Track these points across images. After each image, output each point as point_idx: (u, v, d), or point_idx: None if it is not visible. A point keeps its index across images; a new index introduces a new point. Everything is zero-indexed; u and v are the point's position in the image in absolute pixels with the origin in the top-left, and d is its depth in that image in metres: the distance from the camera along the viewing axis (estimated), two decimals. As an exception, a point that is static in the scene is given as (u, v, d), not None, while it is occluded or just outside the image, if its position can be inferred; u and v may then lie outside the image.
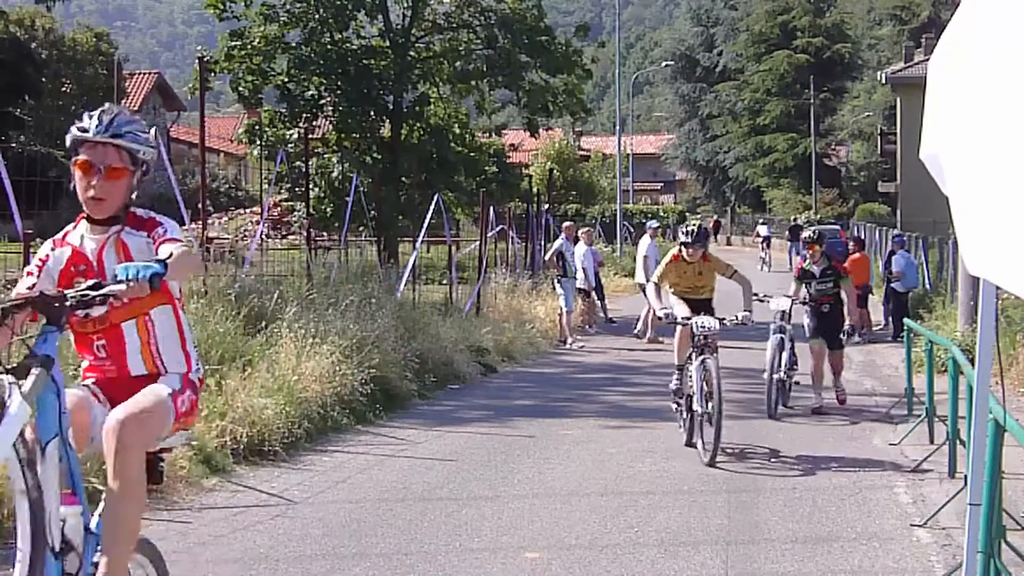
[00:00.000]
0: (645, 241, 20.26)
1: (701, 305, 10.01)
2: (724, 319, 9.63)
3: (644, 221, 46.85)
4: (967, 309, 15.24)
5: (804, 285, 12.38)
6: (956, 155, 3.07)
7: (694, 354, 9.37)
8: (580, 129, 47.66)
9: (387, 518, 7.28)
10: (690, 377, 9.40)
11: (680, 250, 9.97)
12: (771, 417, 11.37)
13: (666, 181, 75.60)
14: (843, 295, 12.30)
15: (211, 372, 9.28)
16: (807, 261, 12.50)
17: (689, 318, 9.52)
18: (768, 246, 42.76)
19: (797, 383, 12.14)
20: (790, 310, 12.16)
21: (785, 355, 11.82)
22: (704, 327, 9.33)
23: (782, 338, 11.87)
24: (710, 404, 9.00)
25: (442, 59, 25.51)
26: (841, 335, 12.27)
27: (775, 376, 11.62)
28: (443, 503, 7.72)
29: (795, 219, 48.79)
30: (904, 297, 20.32)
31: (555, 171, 38.88)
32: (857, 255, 20.70)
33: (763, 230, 45.21)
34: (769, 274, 35.20)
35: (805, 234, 12.99)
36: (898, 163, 45.41)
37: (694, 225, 10.26)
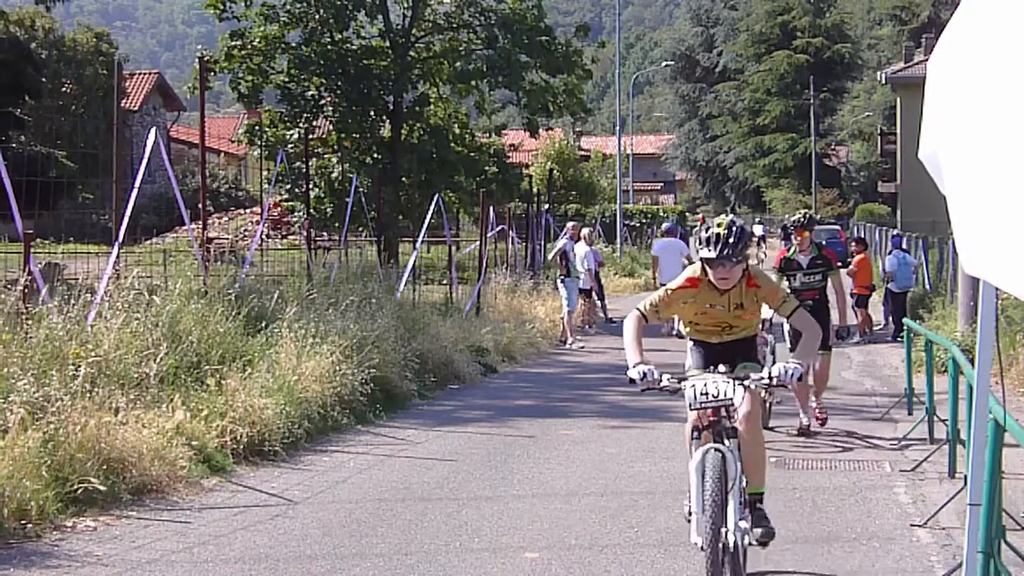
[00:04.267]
0: (659, 244, 19.34)
1: (730, 352, 6.10)
2: (747, 380, 5.57)
3: (642, 222, 47.16)
4: (967, 309, 15.23)
5: (787, 279, 10.41)
6: (955, 155, 3.07)
7: (693, 444, 5.64)
8: (580, 129, 47.67)
9: (387, 518, 7.28)
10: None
11: (703, 271, 5.84)
12: None
13: (666, 181, 75.63)
14: (829, 291, 10.64)
15: (211, 372, 9.30)
16: (792, 250, 10.66)
17: (684, 379, 5.60)
18: (763, 243, 43.25)
19: (779, 402, 10.83)
20: (772, 317, 10.09)
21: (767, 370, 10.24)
22: (706, 396, 5.41)
23: (764, 351, 10.09)
24: (725, 533, 5.26)
25: (442, 59, 25.54)
26: (832, 337, 10.41)
27: None
28: (443, 503, 7.72)
29: (788, 218, 48.86)
30: (901, 297, 20.33)
31: (555, 171, 38.87)
32: (861, 256, 20.69)
33: (758, 229, 45.72)
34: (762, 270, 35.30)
35: (793, 218, 10.85)
36: (898, 163, 45.47)
37: (722, 227, 5.66)
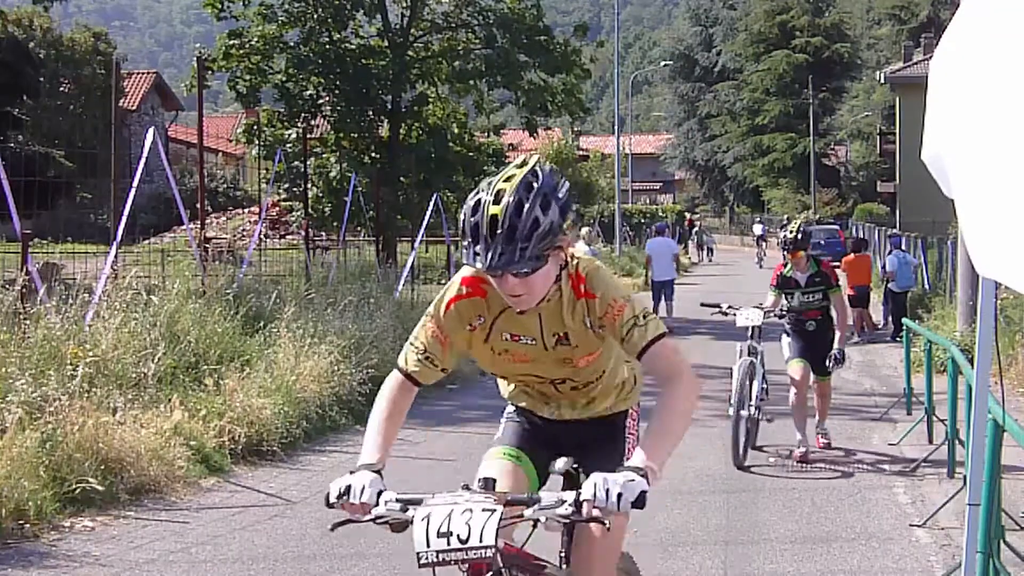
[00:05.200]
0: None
1: (575, 440, 3.63)
2: (532, 507, 2.93)
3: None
4: (966, 309, 15.23)
5: (784, 296, 9.41)
6: (961, 156, 3.06)
7: None
8: (579, 129, 47.64)
9: (386, 518, 7.26)
10: None
11: (466, 283, 3.21)
12: (738, 467, 8.77)
13: (665, 181, 75.59)
14: (833, 311, 9.42)
15: (209, 372, 9.30)
16: (788, 267, 9.46)
17: (418, 502, 2.84)
18: (763, 242, 43.37)
19: (770, 420, 9.55)
20: (761, 325, 9.43)
21: (756, 384, 9.11)
22: (448, 539, 2.67)
23: (752, 362, 9.10)
24: None
25: (440, 59, 25.52)
26: (828, 362, 9.28)
27: (743, 413, 8.83)
28: (442, 503, 7.70)
29: (787, 218, 48.78)
30: (902, 297, 20.33)
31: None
32: (852, 256, 20.67)
33: (757, 229, 45.87)
34: (763, 271, 35.29)
35: (784, 234, 9.55)
36: (897, 163, 45.49)
37: (502, 199, 2.81)
